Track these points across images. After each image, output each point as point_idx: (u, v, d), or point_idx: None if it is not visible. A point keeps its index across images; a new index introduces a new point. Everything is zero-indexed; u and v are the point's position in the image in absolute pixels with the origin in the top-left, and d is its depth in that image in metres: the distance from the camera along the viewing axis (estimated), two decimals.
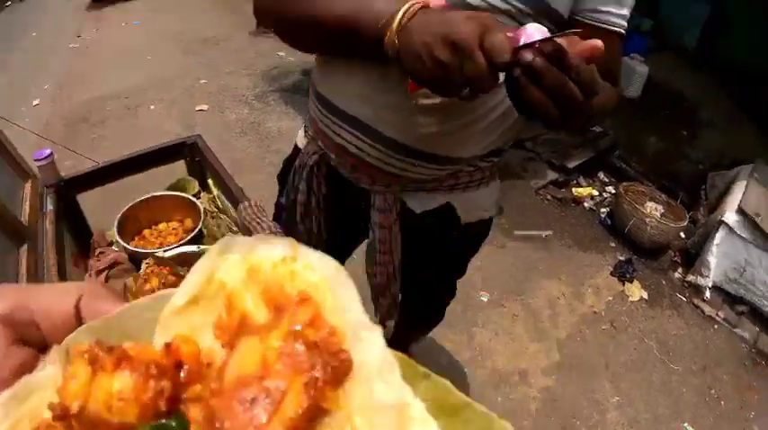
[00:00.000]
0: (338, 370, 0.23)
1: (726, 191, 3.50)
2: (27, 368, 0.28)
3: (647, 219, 3.10)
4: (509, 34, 0.62)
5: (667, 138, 4.47)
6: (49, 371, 0.26)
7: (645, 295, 2.90)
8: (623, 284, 2.93)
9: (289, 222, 1.33)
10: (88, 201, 1.50)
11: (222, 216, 1.56)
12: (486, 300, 2.62)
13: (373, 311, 1.44)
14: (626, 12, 0.97)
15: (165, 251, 1.34)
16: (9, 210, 1.30)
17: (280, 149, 3.89)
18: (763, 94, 5.10)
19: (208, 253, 0.27)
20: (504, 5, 0.87)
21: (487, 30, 0.63)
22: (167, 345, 0.24)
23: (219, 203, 1.62)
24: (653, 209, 3.29)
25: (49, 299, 0.30)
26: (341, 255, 1.53)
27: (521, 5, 0.87)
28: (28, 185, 1.48)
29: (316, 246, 0.92)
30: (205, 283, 0.26)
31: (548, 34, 0.61)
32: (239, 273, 0.26)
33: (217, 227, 1.53)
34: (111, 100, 4.87)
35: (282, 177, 1.39)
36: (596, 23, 0.95)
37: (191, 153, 1.69)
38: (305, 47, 1.02)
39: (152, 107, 4.71)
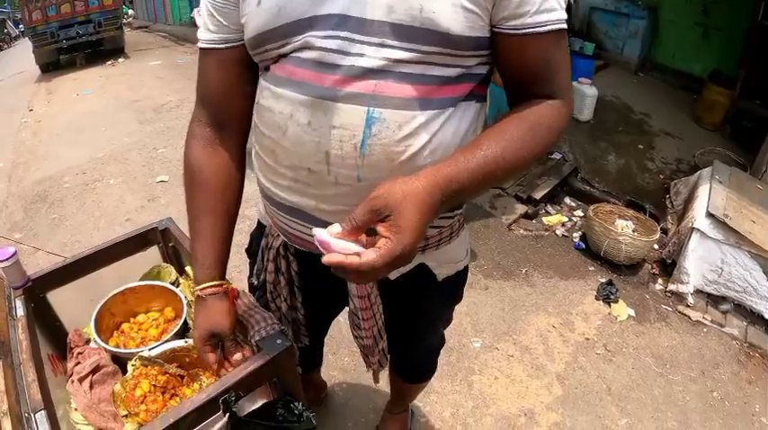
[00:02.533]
0: None
1: (690, 196, 3.64)
2: None
3: (621, 238, 3.19)
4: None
5: (626, 154, 4.61)
6: None
7: (632, 313, 2.95)
8: (609, 306, 2.99)
9: (262, 302, 1.32)
10: (58, 295, 1.42)
11: None
12: (478, 345, 2.63)
13: (365, 366, 1.43)
14: (551, 3, 0.84)
15: (150, 349, 1.26)
16: None
17: (245, 216, 3.74)
18: (699, 97, 5.36)
19: None
20: (407, 55, 0.84)
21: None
22: None
23: None
24: (624, 226, 3.39)
25: None
26: (322, 325, 1.55)
27: (424, 47, 0.84)
28: None
29: (286, 325, 1.20)
30: None
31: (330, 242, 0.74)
32: None
33: None
34: (67, 176, 4.76)
35: (250, 251, 1.40)
36: (516, 31, 0.86)
37: (163, 239, 1.60)
38: None
39: (111, 181, 4.63)
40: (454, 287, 1.32)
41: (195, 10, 8.65)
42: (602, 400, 2.40)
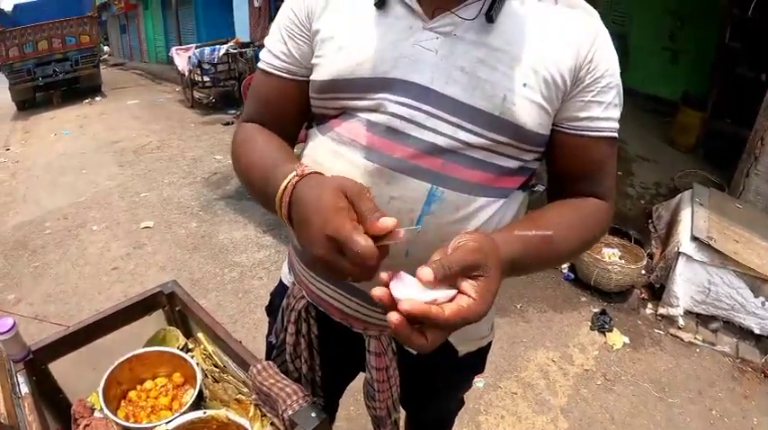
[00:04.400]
0: None
1: (673, 220, 3.73)
2: None
3: (611, 267, 3.26)
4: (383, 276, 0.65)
5: None
6: None
7: (626, 340, 3.02)
8: (604, 335, 3.05)
9: (280, 361, 1.29)
10: (58, 364, 1.34)
11: (228, 377, 1.40)
12: (482, 385, 2.65)
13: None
14: (612, 113, 0.90)
15: (167, 423, 1.19)
16: None
17: (237, 263, 3.83)
18: (672, 121, 5.53)
19: None
20: (479, 140, 0.84)
21: (345, 242, 0.62)
22: None
23: (218, 360, 1.44)
24: (611, 255, 3.47)
25: None
26: (335, 391, 1.49)
27: (498, 137, 0.84)
28: None
29: (306, 386, 1.07)
30: None
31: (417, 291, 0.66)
32: None
33: (223, 390, 1.37)
34: (49, 221, 4.63)
35: (270, 310, 1.36)
36: (576, 132, 0.90)
37: (169, 302, 1.52)
38: None
39: (94, 228, 4.50)
40: (476, 361, 1.29)
41: (173, 49, 8.67)
42: None
